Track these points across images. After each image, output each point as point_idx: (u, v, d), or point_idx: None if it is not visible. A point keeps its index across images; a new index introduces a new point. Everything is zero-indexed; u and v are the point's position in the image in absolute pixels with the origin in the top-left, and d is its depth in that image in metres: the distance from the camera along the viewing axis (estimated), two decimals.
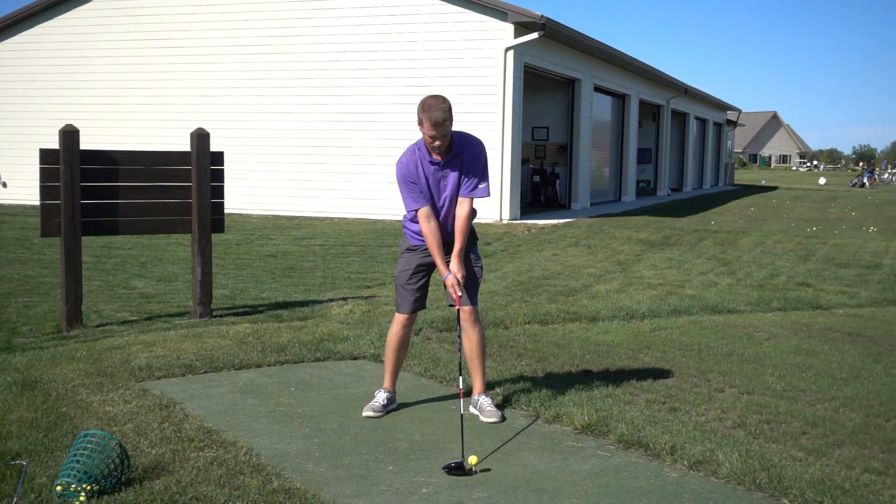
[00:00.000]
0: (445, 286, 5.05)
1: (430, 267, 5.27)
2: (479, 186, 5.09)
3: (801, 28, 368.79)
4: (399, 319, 5.30)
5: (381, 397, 5.29)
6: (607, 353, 6.89)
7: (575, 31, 19.67)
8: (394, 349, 5.33)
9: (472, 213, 5.13)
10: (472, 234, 5.27)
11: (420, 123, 4.90)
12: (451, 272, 5.02)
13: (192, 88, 20.55)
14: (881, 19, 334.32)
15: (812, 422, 5.12)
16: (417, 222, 5.11)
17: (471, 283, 5.20)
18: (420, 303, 5.32)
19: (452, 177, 5.05)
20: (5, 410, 5.06)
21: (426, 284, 5.33)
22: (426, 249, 5.16)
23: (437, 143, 4.92)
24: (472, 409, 5.26)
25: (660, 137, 31.11)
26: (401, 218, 5.32)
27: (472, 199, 5.09)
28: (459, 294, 5.04)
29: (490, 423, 5.07)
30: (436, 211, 5.09)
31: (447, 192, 5.07)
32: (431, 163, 5.03)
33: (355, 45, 19.14)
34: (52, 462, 4.22)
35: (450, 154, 5.02)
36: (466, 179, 5.06)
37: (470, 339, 5.23)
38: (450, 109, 4.90)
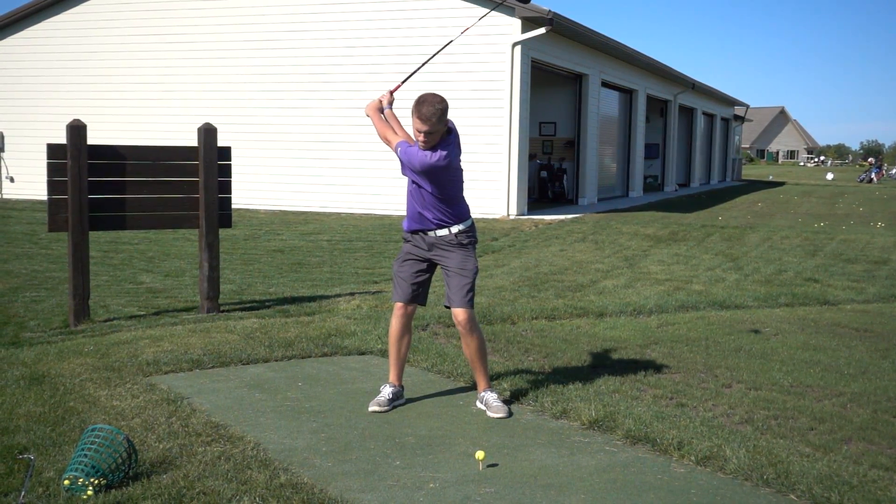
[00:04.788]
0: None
1: (425, 260, 5.26)
2: (413, 146, 5.05)
3: (808, 23, 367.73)
4: (395, 310, 5.31)
5: (386, 392, 5.29)
6: (614, 348, 6.88)
7: (582, 25, 19.62)
8: (393, 341, 5.33)
9: (395, 144, 5.15)
10: (472, 234, 5.24)
11: (412, 115, 4.95)
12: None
13: (199, 84, 20.58)
14: (889, 14, 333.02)
15: (819, 417, 5.11)
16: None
17: (461, 284, 5.11)
18: (415, 292, 5.27)
19: None
20: (13, 405, 5.08)
21: (421, 274, 5.27)
22: (418, 237, 5.21)
23: (422, 138, 4.97)
24: (478, 405, 5.26)
25: (667, 133, 31.04)
26: None
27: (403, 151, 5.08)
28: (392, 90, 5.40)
29: (497, 418, 5.07)
30: (418, 188, 5.14)
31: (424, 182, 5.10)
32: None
33: (362, 41, 19.13)
34: (59, 456, 4.23)
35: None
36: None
37: (469, 345, 5.22)
38: (443, 111, 4.92)
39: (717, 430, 4.78)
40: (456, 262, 5.15)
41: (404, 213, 5.32)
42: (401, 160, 5.11)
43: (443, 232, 5.15)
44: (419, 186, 5.09)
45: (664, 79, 28.56)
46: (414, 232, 5.24)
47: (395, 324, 5.32)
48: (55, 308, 8.39)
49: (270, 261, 12.12)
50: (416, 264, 5.27)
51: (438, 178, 5.02)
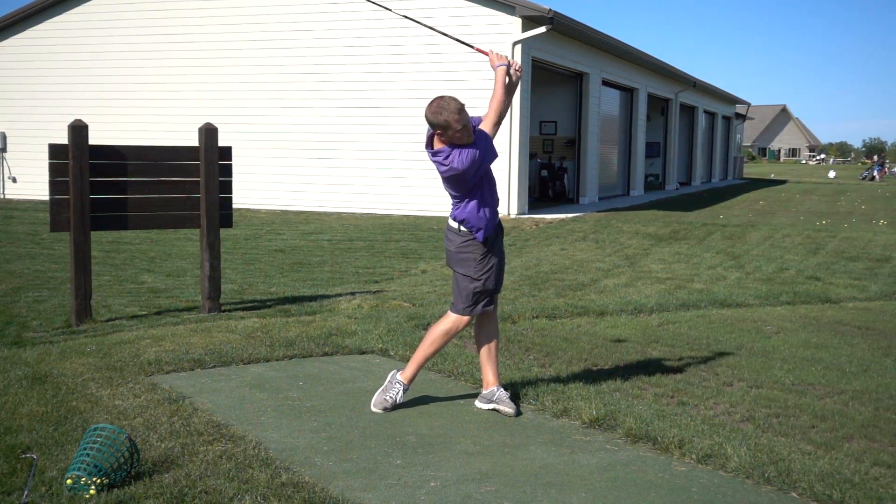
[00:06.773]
0: (509, 65, 5.36)
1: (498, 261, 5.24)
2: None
3: (810, 20, 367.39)
4: (468, 318, 5.18)
5: (399, 395, 5.20)
6: (615, 347, 6.88)
7: (583, 24, 19.62)
8: (442, 343, 5.22)
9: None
10: (500, 228, 5.25)
11: (450, 119, 5.05)
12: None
13: (200, 84, 20.59)
14: (892, 12, 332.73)
15: (821, 415, 5.11)
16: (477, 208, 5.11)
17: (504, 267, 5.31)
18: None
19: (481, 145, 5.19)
20: (16, 404, 5.09)
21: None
22: (500, 234, 5.20)
23: (458, 135, 5.06)
24: (480, 405, 5.22)
25: (668, 131, 31.03)
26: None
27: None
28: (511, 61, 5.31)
29: (508, 413, 5.06)
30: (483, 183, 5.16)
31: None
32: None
33: (363, 40, 19.14)
34: (62, 456, 4.24)
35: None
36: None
37: (490, 337, 5.22)
38: (458, 109, 5.10)
39: (719, 428, 4.78)
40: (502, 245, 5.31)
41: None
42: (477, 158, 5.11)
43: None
44: (484, 180, 5.13)
45: (665, 77, 28.56)
46: (497, 229, 5.20)
47: (459, 329, 5.21)
48: (57, 308, 8.40)
49: (271, 260, 12.14)
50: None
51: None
